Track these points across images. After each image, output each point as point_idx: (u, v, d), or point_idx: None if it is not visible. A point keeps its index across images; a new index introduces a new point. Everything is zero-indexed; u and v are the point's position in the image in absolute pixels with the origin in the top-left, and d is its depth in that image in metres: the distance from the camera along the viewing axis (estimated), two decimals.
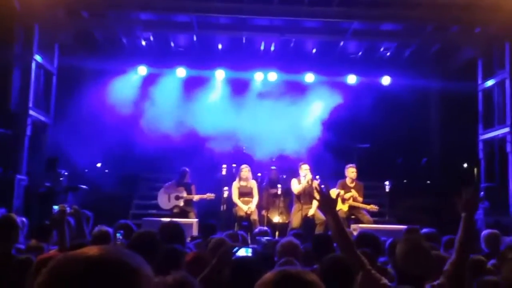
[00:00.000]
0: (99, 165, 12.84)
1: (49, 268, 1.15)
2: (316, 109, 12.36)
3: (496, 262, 4.78)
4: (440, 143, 13.80)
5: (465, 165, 13.52)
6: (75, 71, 11.95)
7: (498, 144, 11.48)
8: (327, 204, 3.33)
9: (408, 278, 3.06)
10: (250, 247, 3.72)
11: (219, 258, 3.16)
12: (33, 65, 10.48)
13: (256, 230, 7.40)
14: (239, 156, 11.48)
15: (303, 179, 9.83)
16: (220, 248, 3.53)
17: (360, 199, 10.08)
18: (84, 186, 10.59)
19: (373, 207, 10.06)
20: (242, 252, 3.40)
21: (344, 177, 10.24)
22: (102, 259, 1.14)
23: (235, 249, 3.19)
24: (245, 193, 10.15)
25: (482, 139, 11.95)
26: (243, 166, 10.28)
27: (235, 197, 10.09)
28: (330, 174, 10.89)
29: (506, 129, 10.95)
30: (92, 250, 1.17)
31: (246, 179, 10.18)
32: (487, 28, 11.44)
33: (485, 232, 6.04)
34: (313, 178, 10.00)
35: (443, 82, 13.02)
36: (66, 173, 10.53)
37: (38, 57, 10.65)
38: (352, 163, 10.43)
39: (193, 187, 10.46)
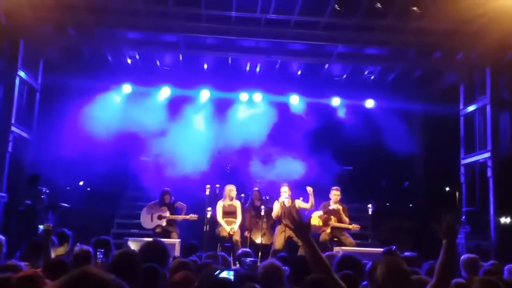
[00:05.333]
0: (81, 183, 12.71)
1: None
2: (299, 130, 12.42)
3: None
4: (423, 166, 13.92)
5: (447, 189, 13.63)
6: (60, 87, 11.87)
7: (479, 168, 11.61)
8: (301, 231, 3.39)
9: None
10: (232, 269, 3.70)
11: (201, 280, 3.13)
12: (17, 81, 10.40)
13: (239, 251, 7.35)
14: (223, 176, 11.45)
15: (285, 201, 9.86)
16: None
17: (346, 219, 10.08)
18: (65, 205, 10.45)
19: (355, 226, 10.10)
20: (224, 274, 3.37)
21: (328, 199, 10.29)
22: None
23: (217, 272, 3.17)
24: (229, 213, 10.11)
25: (463, 163, 12.09)
26: (229, 185, 10.26)
27: (219, 216, 10.04)
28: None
29: (487, 154, 11.09)
30: None
31: (232, 199, 10.16)
32: (469, 54, 11.66)
33: (463, 257, 6.06)
34: (295, 199, 10.03)
35: (426, 106, 13.19)
36: (47, 191, 10.38)
37: (22, 73, 10.57)
38: (336, 186, 10.46)
39: (178, 204, 10.40)
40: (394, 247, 6.49)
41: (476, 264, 5.82)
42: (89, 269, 1.26)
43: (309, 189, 9.86)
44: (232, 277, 3.41)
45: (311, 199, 9.90)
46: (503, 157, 10.92)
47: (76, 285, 1.21)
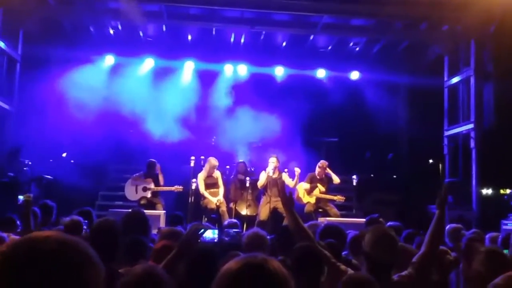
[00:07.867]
0: (64, 155, 12.56)
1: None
2: (284, 102, 12.38)
3: (456, 254, 4.99)
4: (407, 138, 13.98)
5: (431, 160, 13.75)
6: (40, 58, 11.63)
7: (462, 140, 11.71)
8: (286, 203, 3.64)
9: (377, 266, 3.10)
10: (216, 228, 3.72)
11: (186, 238, 3.09)
12: None
13: (225, 222, 7.36)
14: (208, 148, 11.41)
15: (271, 171, 9.85)
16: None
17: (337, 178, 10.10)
18: (48, 176, 10.35)
19: (340, 198, 10.15)
20: (209, 233, 3.37)
21: (314, 170, 10.32)
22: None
23: (201, 231, 3.14)
24: (211, 185, 10.09)
25: (447, 135, 12.19)
26: (210, 158, 10.23)
27: (202, 189, 10.01)
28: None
29: (470, 126, 11.18)
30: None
31: (213, 169, 10.11)
32: (454, 26, 11.63)
33: (449, 226, 6.16)
34: (282, 171, 10.04)
35: (411, 78, 13.19)
36: (30, 163, 10.26)
37: (1, 43, 10.36)
38: (324, 159, 10.45)
39: (160, 177, 10.30)
40: (377, 215, 6.54)
41: (460, 233, 5.92)
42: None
43: (297, 170, 9.85)
44: (216, 236, 3.42)
45: (296, 179, 9.90)
46: (486, 129, 11.01)
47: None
